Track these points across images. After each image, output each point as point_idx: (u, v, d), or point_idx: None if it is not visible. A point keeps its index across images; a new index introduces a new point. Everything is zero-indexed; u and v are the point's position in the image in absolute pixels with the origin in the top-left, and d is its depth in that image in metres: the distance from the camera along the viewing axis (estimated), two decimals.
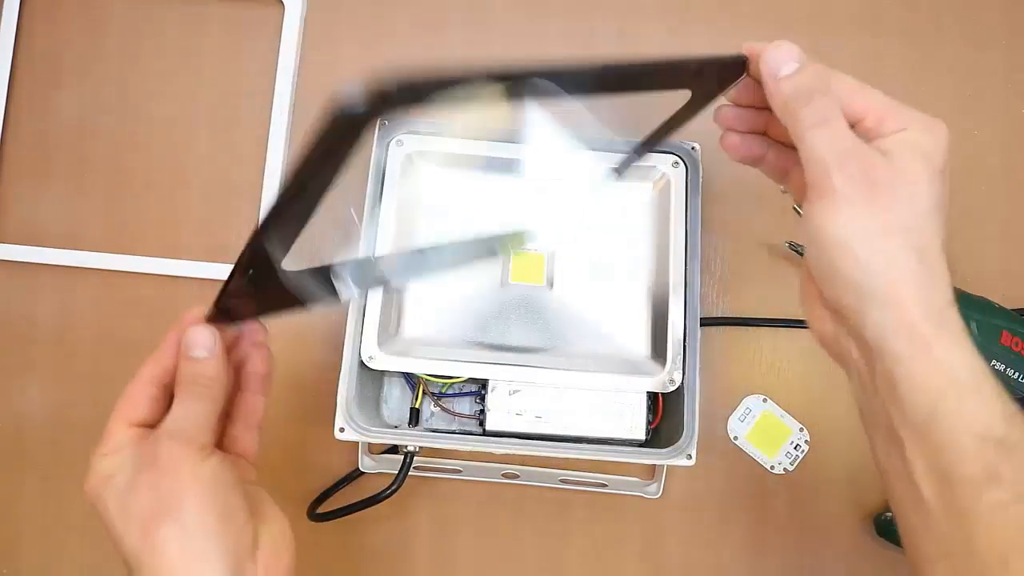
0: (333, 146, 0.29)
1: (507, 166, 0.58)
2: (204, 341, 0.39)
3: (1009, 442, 0.33)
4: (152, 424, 0.39)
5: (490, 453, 0.56)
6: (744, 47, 0.39)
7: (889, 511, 0.59)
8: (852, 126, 0.36)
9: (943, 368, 0.34)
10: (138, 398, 0.39)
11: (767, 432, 0.62)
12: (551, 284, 0.57)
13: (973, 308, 0.58)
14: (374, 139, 0.56)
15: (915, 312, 0.34)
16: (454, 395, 0.58)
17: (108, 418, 0.39)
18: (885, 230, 0.34)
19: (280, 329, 0.63)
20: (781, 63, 0.37)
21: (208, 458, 0.37)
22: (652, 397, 0.55)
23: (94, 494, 0.38)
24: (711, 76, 0.39)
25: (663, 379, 0.53)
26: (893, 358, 0.34)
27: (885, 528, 0.59)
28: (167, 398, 0.40)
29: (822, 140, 0.35)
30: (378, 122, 0.57)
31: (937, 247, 0.35)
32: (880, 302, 0.34)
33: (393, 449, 0.59)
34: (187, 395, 0.39)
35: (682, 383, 0.53)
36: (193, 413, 0.38)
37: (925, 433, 0.34)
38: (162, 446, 0.37)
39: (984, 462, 0.33)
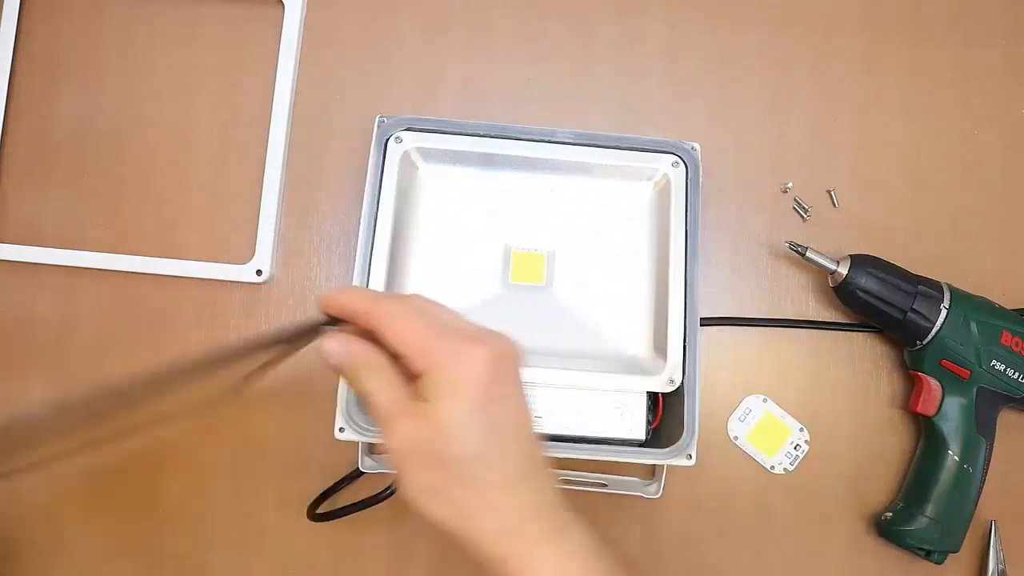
0: None
1: (508, 163, 0.58)
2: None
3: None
4: None
5: None
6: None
7: (889, 511, 0.59)
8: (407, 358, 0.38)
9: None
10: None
11: (767, 432, 0.62)
12: (551, 284, 0.57)
13: (973, 308, 0.58)
14: (372, 136, 0.56)
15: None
16: None
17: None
18: (432, 486, 0.37)
19: None
20: (330, 354, 0.39)
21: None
22: (652, 397, 0.55)
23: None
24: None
25: (663, 379, 0.53)
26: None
27: (885, 528, 0.59)
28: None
29: (371, 410, 0.39)
30: (376, 119, 0.57)
31: (480, 475, 0.37)
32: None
33: None
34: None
35: (682, 383, 0.53)
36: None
37: None
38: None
39: None
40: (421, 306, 0.39)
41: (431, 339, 0.37)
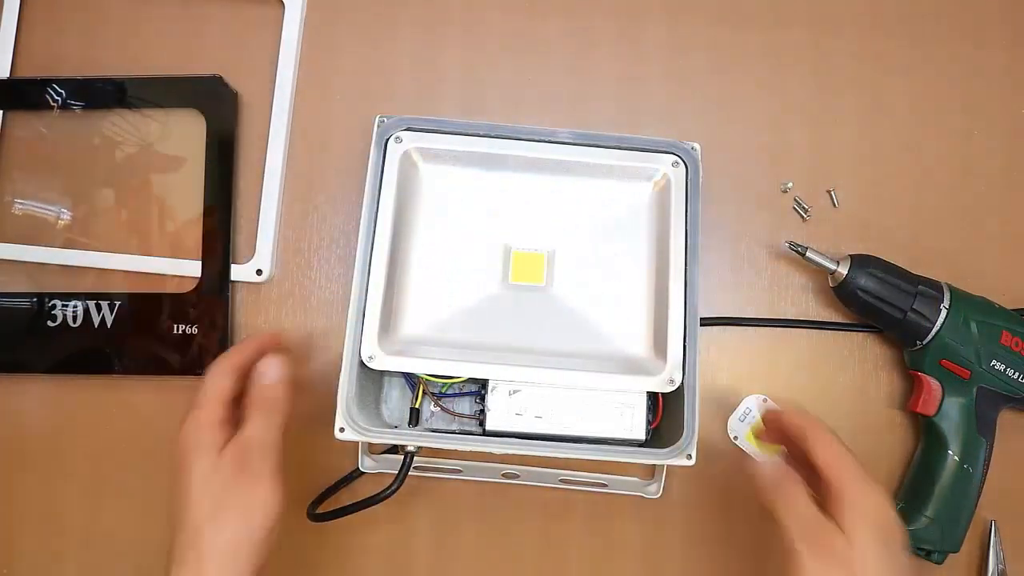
0: None
1: (508, 163, 0.58)
2: (273, 371, 0.51)
3: None
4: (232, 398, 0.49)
5: (490, 453, 0.56)
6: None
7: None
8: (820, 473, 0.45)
9: None
10: (227, 379, 0.49)
11: None
12: (551, 284, 0.57)
13: (973, 308, 0.58)
14: (372, 136, 0.56)
15: None
16: (454, 395, 0.58)
17: (205, 384, 0.49)
18: None
19: (280, 329, 0.63)
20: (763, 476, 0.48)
21: (280, 486, 0.47)
22: (652, 397, 0.55)
23: (188, 444, 0.47)
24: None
25: (663, 379, 0.53)
26: None
27: None
28: (242, 382, 0.50)
29: (786, 517, 0.45)
30: (376, 119, 0.57)
31: None
32: None
33: (393, 449, 0.59)
34: (261, 409, 0.49)
35: (682, 383, 0.53)
36: (270, 425, 0.49)
37: None
38: (254, 455, 0.47)
39: None
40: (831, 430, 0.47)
41: (856, 476, 0.44)
